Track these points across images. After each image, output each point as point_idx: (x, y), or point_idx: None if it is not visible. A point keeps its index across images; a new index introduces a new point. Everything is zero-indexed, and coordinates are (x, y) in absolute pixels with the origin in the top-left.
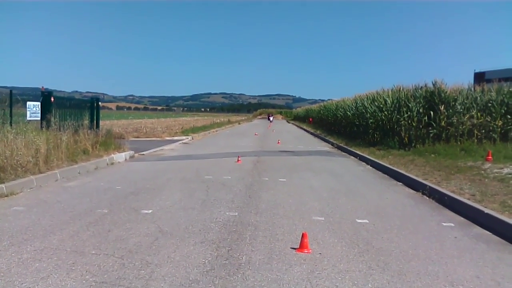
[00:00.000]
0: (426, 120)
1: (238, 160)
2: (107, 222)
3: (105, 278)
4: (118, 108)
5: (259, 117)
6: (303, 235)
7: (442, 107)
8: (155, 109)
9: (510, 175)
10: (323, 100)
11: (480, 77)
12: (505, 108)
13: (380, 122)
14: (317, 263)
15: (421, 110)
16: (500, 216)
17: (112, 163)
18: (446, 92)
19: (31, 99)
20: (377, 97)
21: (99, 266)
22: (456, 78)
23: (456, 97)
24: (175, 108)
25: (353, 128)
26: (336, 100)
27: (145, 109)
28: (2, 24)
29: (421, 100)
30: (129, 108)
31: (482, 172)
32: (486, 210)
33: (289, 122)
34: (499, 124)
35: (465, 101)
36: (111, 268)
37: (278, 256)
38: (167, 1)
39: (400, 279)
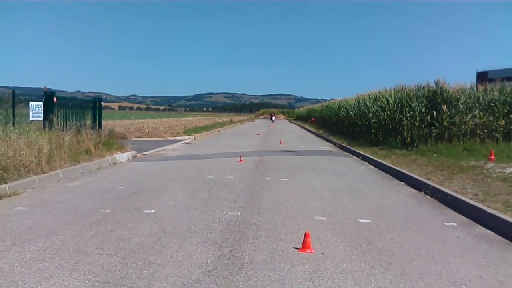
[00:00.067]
0: (429, 120)
1: (240, 160)
2: (110, 222)
3: (108, 278)
4: (120, 108)
5: (261, 117)
6: (305, 235)
7: (445, 107)
8: (158, 109)
9: None
10: (325, 100)
11: (482, 77)
12: (508, 108)
13: (383, 122)
14: (320, 263)
15: (423, 110)
16: (503, 216)
17: (115, 163)
18: (448, 91)
19: (33, 99)
20: (379, 97)
21: (102, 266)
22: (458, 77)
23: (458, 96)
24: (177, 108)
25: (355, 128)
26: (339, 99)
27: (148, 109)
28: (3, 24)
29: (424, 100)
30: (131, 108)
31: (485, 171)
32: (489, 210)
33: (291, 122)
34: (502, 123)
35: (468, 101)
36: (114, 268)
37: (280, 256)
38: (169, 1)
39: (403, 278)
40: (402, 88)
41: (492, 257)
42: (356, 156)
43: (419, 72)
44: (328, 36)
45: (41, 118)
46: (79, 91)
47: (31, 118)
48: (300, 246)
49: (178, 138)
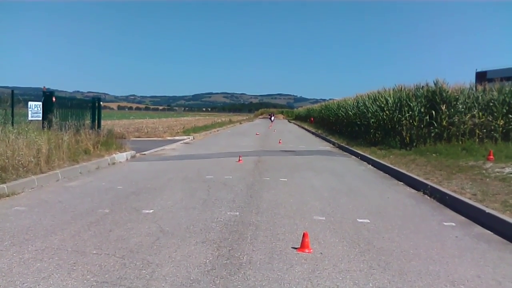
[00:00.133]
0: (428, 120)
1: (239, 159)
2: (108, 222)
3: (106, 278)
4: (119, 108)
5: (261, 116)
6: (304, 235)
7: (444, 107)
8: (157, 109)
9: (511, 175)
10: (324, 100)
11: (482, 77)
12: (507, 108)
13: (382, 122)
14: (318, 263)
15: (422, 110)
16: (502, 216)
17: (114, 163)
18: (447, 91)
19: (32, 99)
20: (378, 97)
21: (100, 266)
22: (457, 77)
23: (457, 96)
24: (176, 108)
25: (354, 128)
26: (338, 99)
27: (147, 109)
28: (2, 24)
29: (423, 100)
30: (130, 108)
31: (484, 171)
32: (488, 210)
33: (290, 122)
34: (501, 123)
35: (467, 101)
36: (112, 268)
37: (279, 256)
38: (169, 1)
39: (401, 278)
40: (401, 88)
41: (491, 257)
42: (355, 156)
43: (418, 72)
44: (327, 36)
45: (40, 118)
46: (78, 91)
47: (30, 118)
48: (299, 246)
49: (177, 138)
